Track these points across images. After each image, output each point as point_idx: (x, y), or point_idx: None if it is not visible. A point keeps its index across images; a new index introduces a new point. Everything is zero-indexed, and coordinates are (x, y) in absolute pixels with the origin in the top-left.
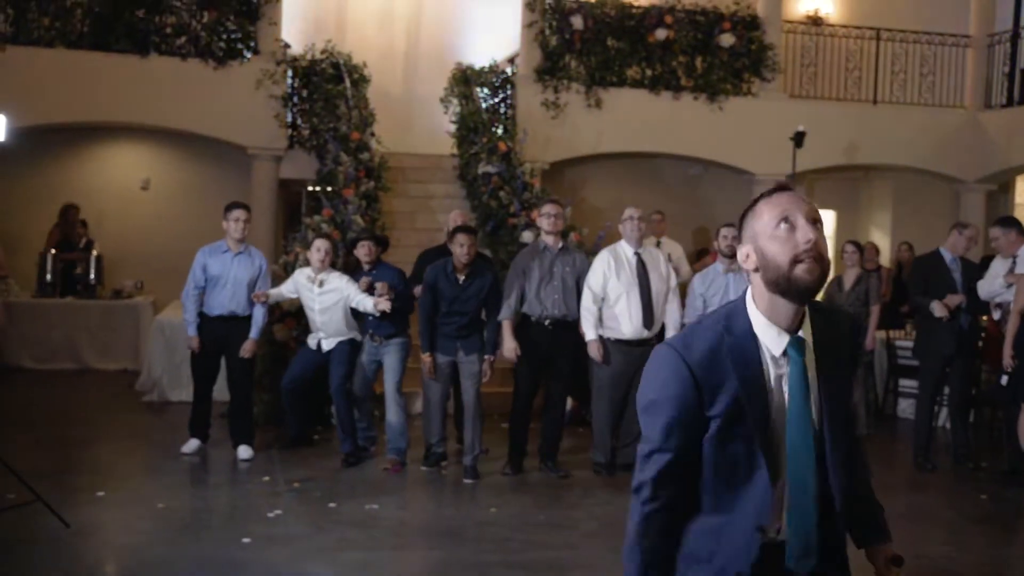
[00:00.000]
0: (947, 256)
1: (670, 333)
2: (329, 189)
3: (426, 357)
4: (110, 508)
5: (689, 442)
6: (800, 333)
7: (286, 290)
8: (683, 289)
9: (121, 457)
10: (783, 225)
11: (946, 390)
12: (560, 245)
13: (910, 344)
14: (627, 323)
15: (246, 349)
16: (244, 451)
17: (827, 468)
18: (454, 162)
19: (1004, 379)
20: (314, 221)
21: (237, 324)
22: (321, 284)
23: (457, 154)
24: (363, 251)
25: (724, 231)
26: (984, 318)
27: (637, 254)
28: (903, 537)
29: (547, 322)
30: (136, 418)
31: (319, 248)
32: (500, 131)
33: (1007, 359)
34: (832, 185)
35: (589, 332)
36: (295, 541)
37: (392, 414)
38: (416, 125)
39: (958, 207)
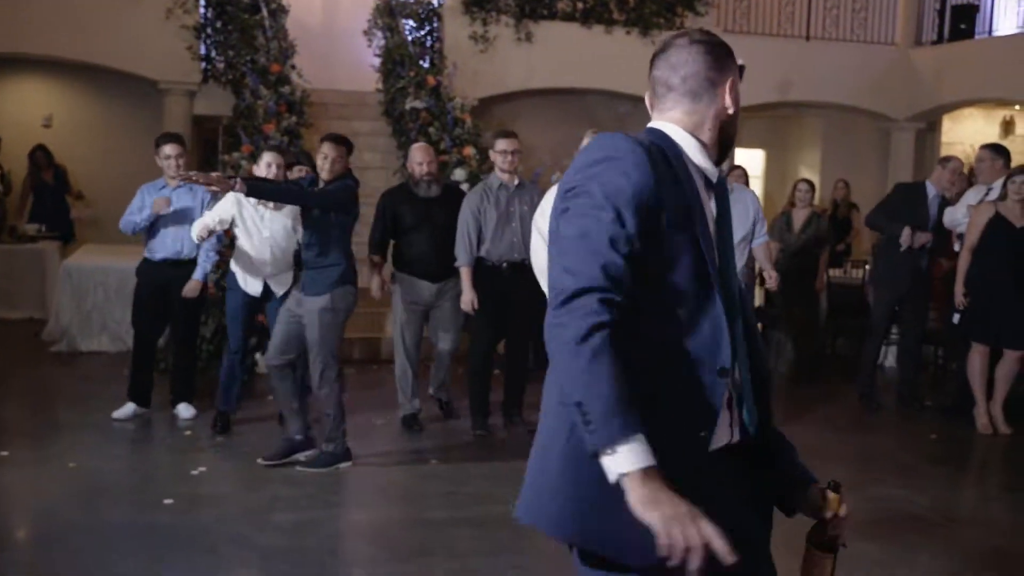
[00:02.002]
0: (931, 191)
1: None
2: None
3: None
4: (15, 469)
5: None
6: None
7: (222, 211)
8: None
9: (27, 413)
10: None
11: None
12: (517, 182)
13: (848, 281)
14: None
15: (189, 288)
16: (185, 410)
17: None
18: (379, 98)
19: (956, 317)
20: (232, 158)
21: (183, 268)
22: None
23: (382, 89)
24: (300, 176)
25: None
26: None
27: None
28: (857, 480)
29: (504, 265)
30: (43, 370)
31: (270, 163)
32: (427, 65)
33: (959, 297)
34: (761, 124)
35: (542, 277)
36: (223, 501)
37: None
38: (338, 60)
39: (888, 145)
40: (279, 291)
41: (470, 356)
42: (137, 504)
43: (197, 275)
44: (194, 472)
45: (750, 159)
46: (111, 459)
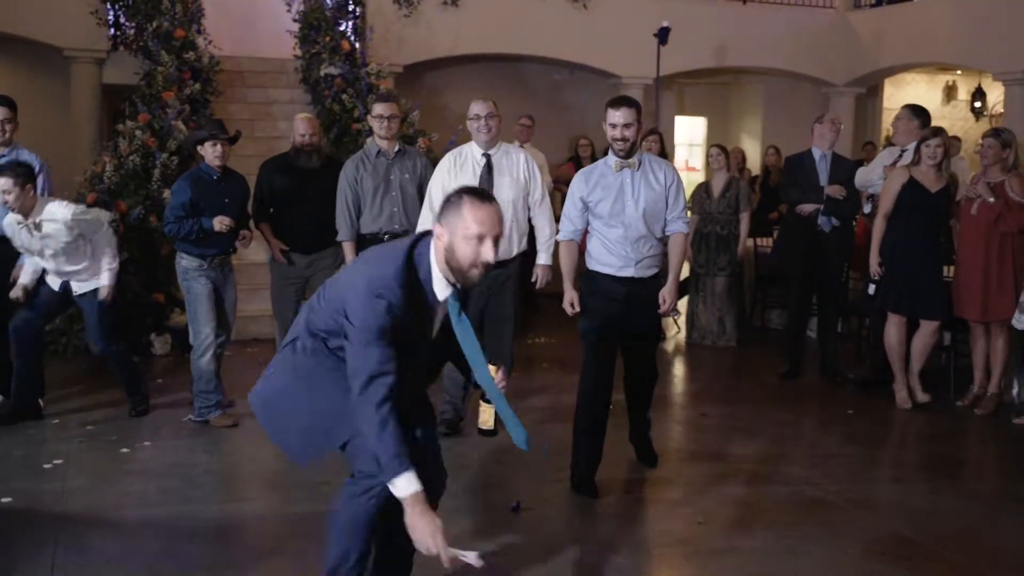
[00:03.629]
0: (816, 153)
1: (541, 252)
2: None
3: None
4: None
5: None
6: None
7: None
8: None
9: None
10: (476, 240)
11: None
12: (396, 148)
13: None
14: None
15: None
16: None
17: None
18: (297, 65)
19: (871, 288)
20: (127, 128)
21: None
22: (39, 227)
23: (300, 56)
24: (214, 152)
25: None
26: (856, 221)
27: (486, 155)
28: (767, 461)
29: (386, 238)
30: None
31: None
32: (348, 29)
33: (874, 267)
34: (702, 90)
35: None
36: (73, 496)
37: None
38: (257, 26)
39: (828, 111)
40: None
41: None
42: None
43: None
44: (47, 466)
45: (692, 127)
46: None
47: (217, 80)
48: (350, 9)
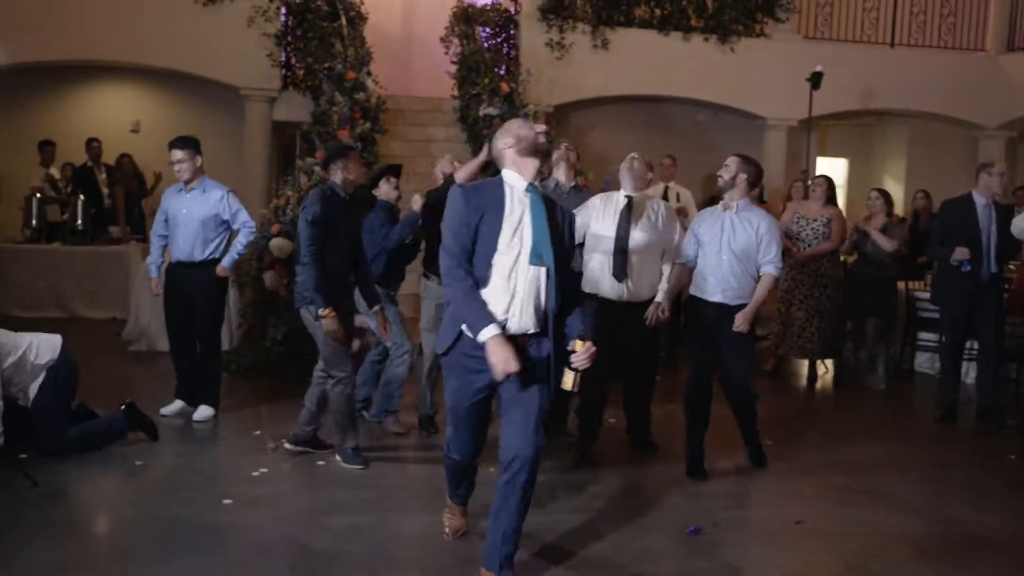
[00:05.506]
0: (979, 201)
1: (659, 295)
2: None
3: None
4: (83, 466)
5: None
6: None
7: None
8: None
9: (101, 410)
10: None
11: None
12: (573, 184)
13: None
14: (600, 275)
15: (219, 270)
16: (199, 412)
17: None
18: (455, 104)
19: None
20: (306, 163)
21: (197, 271)
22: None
23: (457, 96)
24: (387, 187)
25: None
26: (1011, 267)
27: (628, 198)
28: (928, 500)
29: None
30: (121, 369)
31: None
32: (503, 72)
33: None
34: (844, 132)
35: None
36: (280, 502)
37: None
38: (415, 67)
39: (976, 154)
40: None
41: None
42: (196, 503)
43: (225, 261)
44: (255, 473)
45: (833, 168)
46: (178, 457)
47: (383, 119)
48: (505, 52)
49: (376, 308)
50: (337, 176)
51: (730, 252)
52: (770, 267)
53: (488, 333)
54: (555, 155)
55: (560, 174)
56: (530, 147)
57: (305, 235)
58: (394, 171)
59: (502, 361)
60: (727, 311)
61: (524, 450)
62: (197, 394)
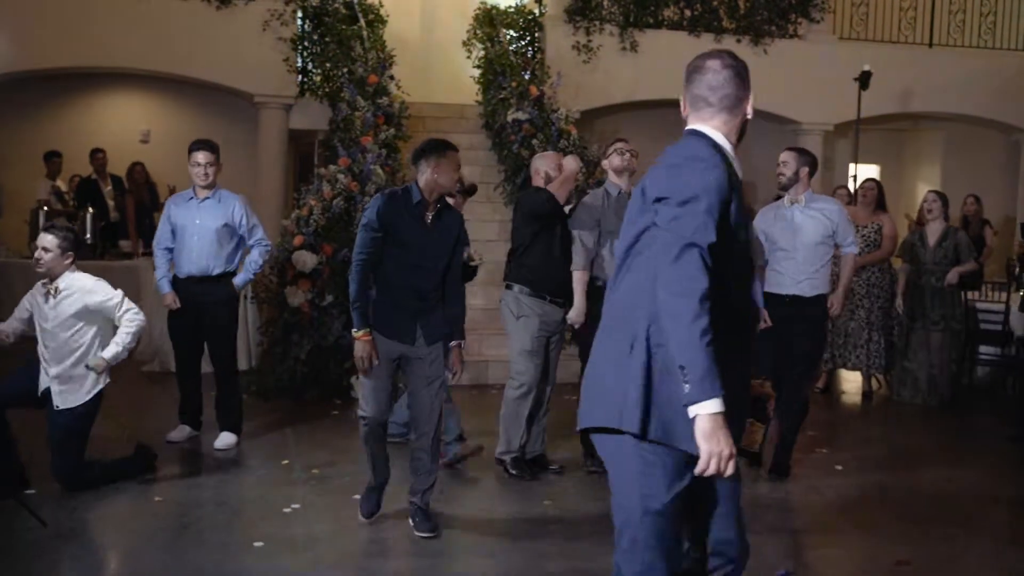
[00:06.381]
0: None
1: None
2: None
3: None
4: (97, 502)
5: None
6: None
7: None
8: None
9: (113, 436)
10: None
11: None
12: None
13: (991, 307)
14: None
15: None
16: (221, 439)
17: None
18: (478, 110)
19: None
20: (330, 171)
21: (211, 285)
22: (56, 292)
23: (481, 101)
24: (455, 203)
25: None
26: None
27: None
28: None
29: (599, 283)
30: (133, 391)
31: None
32: (529, 76)
33: None
34: (876, 136)
35: None
36: (316, 544)
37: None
38: (435, 72)
39: (1018, 158)
40: None
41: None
42: (225, 546)
43: (238, 281)
44: (286, 510)
45: (865, 174)
46: (201, 490)
47: (406, 124)
48: (530, 55)
49: (454, 344)
50: (424, 175)
51: (803, 245)
52: (852, 247)
53: (717, 405)
54: (619, 161)
55: (623, 181)
56: None
57: (357, 239)
58: (471, 192)
59: (729, 446)
60: (803, 303)
61: (742, 546)
62: (217, 420)
